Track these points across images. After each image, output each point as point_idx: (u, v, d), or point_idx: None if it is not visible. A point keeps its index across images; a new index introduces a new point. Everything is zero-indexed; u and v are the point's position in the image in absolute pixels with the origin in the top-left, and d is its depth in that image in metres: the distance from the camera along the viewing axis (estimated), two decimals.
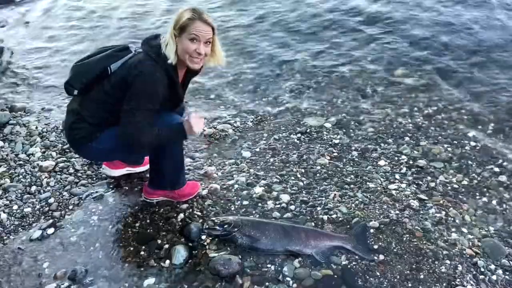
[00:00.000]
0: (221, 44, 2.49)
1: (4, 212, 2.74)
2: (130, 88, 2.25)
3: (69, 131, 2.49)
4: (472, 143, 3.48)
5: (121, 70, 2.33)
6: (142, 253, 2.42)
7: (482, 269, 2.33)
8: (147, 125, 2.26)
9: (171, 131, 2.41)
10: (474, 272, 2.32)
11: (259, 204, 2.77)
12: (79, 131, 2.43)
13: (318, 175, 3.09)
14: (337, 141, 3.51)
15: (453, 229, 2.61)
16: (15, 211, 2.76)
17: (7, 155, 3.32)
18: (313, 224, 2.61)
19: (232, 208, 2.74)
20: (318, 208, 2.73)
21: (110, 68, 2.33)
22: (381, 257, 2.38)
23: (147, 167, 2.99)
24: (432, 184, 3.02)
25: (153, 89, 2.25)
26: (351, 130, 3.69)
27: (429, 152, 3.38)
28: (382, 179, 3.05)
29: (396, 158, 3.31)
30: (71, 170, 3.13)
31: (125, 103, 2.26)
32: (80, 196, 2.87)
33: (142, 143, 2.31)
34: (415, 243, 2.47)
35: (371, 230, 2.56)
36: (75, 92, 2.39)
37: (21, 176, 3.08)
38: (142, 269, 2.32)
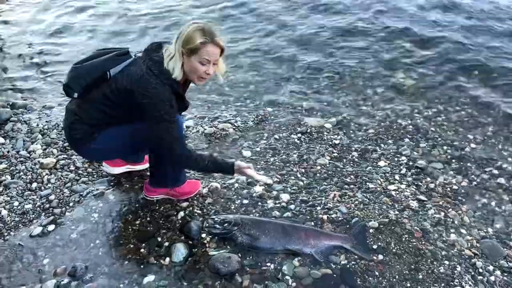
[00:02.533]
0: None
1: (5, 209, 2.74)
2: (137, 104, 2.25)
3: (68, 131, 2.50)
4: (472, 145, 3.50)
5: (122, 77, 2.31)
6: (142, 250, 2.43)
7: (481, 270, 2.35)
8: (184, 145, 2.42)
9: (218, 168, 2.47)
10: (473, 273, 2.33)
11: (259, 203, 2.78)
12: (77, 132, 2.44)
13: (318, 175, 3.10)
14: (337, 142, 3.52)
15: (452, 230, 2.63)
16: (15, 207, 2.76)
17: (8, 152, 3.33)
18: (312, 223, 2.62)
19: (232, 207, 2.75)
20: (318, 208, 2.74)
21: (109, 72, 2.32)
22: (380, 257, 2.39)
23: (147, 165, 3.00)
24: (432, 185, 3.03)
25: (171, 104, 2.28)
26: (351, 131, 3.70)
27: (428, 153, 3.40)
28: (381, 179, 3.06)
29: (396, 159, 3.32)
30: (72, 168, 3.14)
31: (158, 128, 2.27)
32: (81, 193, 2.87)
33: (191, 168, 2.57)
34: (414, 243, 2.48)
35: (371, 230, 2.57)
36: (75, 94, 2.38)
37: (22, 173, 3.09)
38: (142, 266, 2.33)
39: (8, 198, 2.84)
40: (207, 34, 2.20)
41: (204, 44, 2.20)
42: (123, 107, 2.34)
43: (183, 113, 2.83)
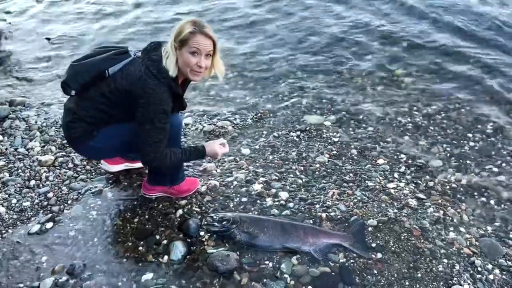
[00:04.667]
0: (222, 48, 2.45)
1: (3, 206, 2.74)
2: (135, 103, 2.26)
3: (66, 129, 2.50)
4: (471, 143, 3.49)
5: (121, 77, 2.30)
6: (140, 248, 2.43)
7: (479, 269, 2.35)
8: (166, 146, 2.37)
9: (191, 156, 2.55)
10: (471, 271, 2.33)
11: (258, 201, 2.78)
12: (76, 130, 2.44)
13: (317, 173, 3.09)
14: (336, 139, 3.51)
15: (451, 228, 2.62)
16: (14, 205, 2.76)
17: (6, 149, 3.32)
18: (311, 221, 2.61)
19: (231, 205, 2.75)
20: (317, 206, 2.74)
21: (108, 71, 2.32)
22: (379, 255, 2.38)
23: None
24: (431, 183, 3.02)
25: (163, 109, 2.28)
26: (350, 129, 3.69)
27: (428, 151, 3.39)
28: (381, 177, 3.05)
29: (395, 157, 3.31)
30: (70, 165, 3.13)
31: (142, 130, 2.30)
32: (79, 191, 2.87)
33: (166, 165, 2.47)
34: (413, 241, 2.48)
35: (369, 228, 2.56)
36: (72, 92, 2.38)
37: (20, 170, 3.08)
38: (140, 264, 2.33)
39: (6, 196, 2.83)
40: (197, 24, 2.24)
41: (193, 34, 2.22)
42: (122, 106, 2.34)
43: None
